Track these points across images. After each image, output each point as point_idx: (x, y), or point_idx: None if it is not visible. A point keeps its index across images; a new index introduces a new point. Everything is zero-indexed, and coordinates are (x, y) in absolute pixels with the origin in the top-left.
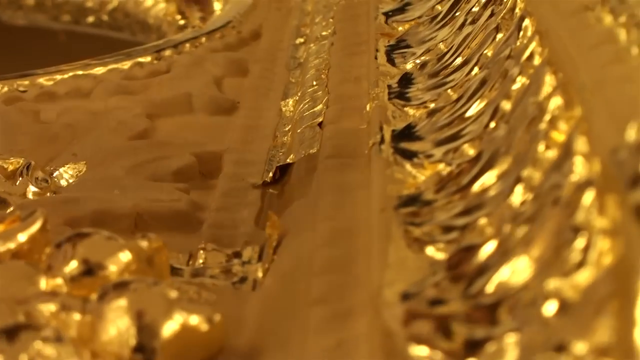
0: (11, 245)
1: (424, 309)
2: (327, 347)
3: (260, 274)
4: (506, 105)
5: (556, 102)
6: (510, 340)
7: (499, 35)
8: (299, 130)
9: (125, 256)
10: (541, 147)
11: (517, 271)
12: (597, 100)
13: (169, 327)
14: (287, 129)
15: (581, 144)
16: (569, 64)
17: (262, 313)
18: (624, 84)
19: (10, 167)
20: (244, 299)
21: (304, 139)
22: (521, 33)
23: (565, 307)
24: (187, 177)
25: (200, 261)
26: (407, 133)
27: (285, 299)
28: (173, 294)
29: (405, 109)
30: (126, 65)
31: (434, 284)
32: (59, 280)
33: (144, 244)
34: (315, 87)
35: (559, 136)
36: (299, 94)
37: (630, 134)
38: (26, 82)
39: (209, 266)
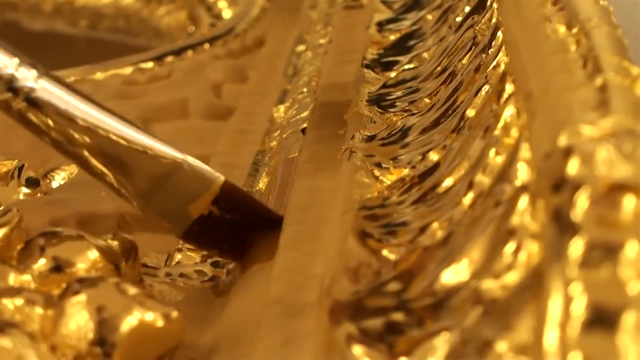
0: None
1: (367, 309)
2: (274, 345)
3: (227, 274)
4: (470, 113)
5: (510, 110)
6: (442, 339)
7: (475, 45)
8: (284, 136)
9: (93, 254)
10: (492, 153)
11: (456, 273)
12: (540, 108)
13: (127, 322)
14: (276, 134)
15: (524, 150)
16: (522, 73)
17: (226, 312)
18: (565, 92)
19: (3, 169)
20: (211, 298)
21: (287, 145)
22: (493, 42)
23: (493, 307)
24: None
25: (176, 259)
26: (378, 140)
27: (248, 298)
28: (132, 290)
29: (383, 115)
30: (127, 70)
31: (381, 284)
32: (27, 277)
33: (114, 243)
34: (305, 93)
35: (508, 142)
36: (290, 101)
37: (562, 140)
38: None
39: (184, 266)
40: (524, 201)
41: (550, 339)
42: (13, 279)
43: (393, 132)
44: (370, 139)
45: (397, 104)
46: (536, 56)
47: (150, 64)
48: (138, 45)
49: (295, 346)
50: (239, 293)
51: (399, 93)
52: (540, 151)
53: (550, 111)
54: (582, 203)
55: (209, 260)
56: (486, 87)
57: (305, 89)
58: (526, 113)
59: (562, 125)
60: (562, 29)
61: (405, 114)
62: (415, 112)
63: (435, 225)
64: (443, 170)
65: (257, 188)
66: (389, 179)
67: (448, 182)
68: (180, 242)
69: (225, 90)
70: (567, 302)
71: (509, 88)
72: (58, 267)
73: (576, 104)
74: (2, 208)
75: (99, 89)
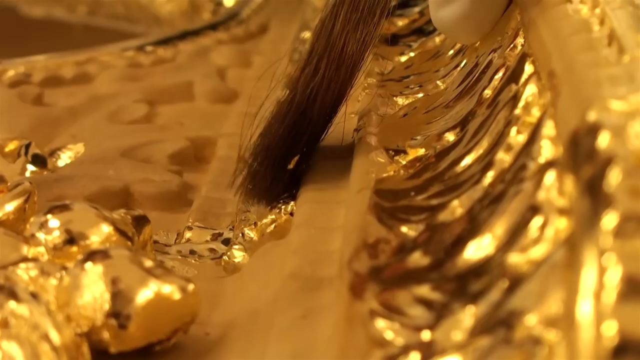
0: None
1: (388, 283)
2: (293, 318)
3: (241, 252)
4: (487, 94)
5: (531, 89)
6: (467, 312)
7: None
8: None
9: (107, 228)
10: (513, 131)
11: (480, 248)
12: (565, 85)
13: (143, 295)
14: None
15: (548, 128)
16: (544, 53)
17: (240, 288)
18: (591, 70)
19: (10, 147)
20: (222, 274)
21: None
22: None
23: (520, 280)
24: (181, 160)
25: (186, 237)
26: (392, 120)
27: (263, 274)
28: (148, 263)
29: (395, 98)
30: (132, 53)
31: (401, 259)
32: (41, 249)
33: (127, 218)
34: None
35: (530, 121)
36: None
37: (591, 116)
38: (32, 67)
39: (194, 244)
40: (550, 177)
41: (584, 309)
42: (26, 250)
43: (407, 113)
44: (384, 119)
45: (410, 86)
46: (557, 36)
47: (154, 47)
48: (137, 33)
49: (316, 319)
50: (253, 269)
51: (412, 77)
52: (567, 127)
53: (576, 88)
54: (615, 175)
55: (220, 238)
56: (502, 69)
57: None
58: (550, 91)
59: (590, 101)
60: (584, 9)
61: (418, 96)
62: (429, 94)
63: (455, 202)
64: (460, 150)
65: None
66: (404, 159)
67: (466, 161)
68: (190, 220)
69: (230, 75)
70: (601, 272)
71: (529, 68)
72: (71, 240)
73: (604, 81)
74: (13, 182)
75: (105, 70)
